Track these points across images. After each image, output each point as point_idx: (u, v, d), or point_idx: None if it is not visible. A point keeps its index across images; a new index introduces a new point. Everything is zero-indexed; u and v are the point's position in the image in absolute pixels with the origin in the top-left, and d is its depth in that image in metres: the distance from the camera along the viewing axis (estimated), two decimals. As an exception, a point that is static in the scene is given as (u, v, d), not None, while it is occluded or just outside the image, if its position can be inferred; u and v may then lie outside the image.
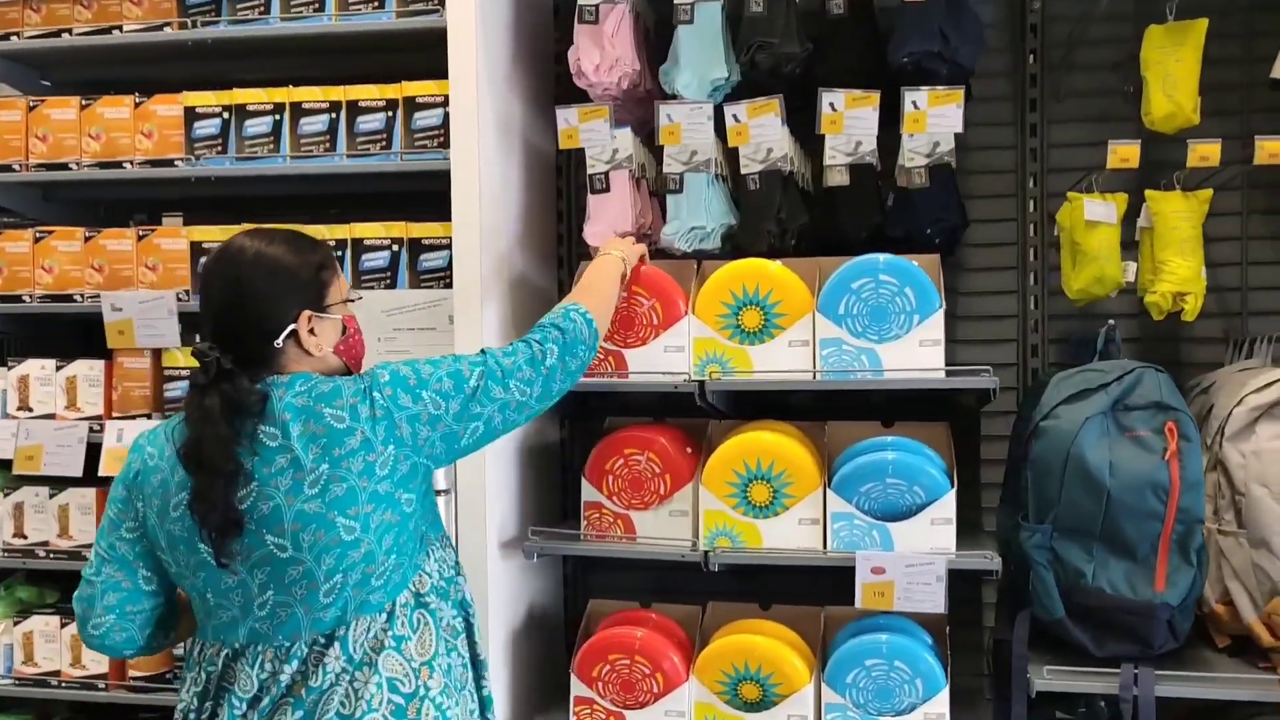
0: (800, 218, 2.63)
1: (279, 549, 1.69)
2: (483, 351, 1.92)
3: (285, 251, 1.77)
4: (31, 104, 2.84)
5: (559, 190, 3.17)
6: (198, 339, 1.91)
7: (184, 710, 1.80)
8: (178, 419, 1.78)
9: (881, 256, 2.44)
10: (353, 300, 1.92)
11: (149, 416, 2.79)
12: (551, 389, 1.97)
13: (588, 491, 2.63)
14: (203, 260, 1.83)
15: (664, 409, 2.81)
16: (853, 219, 2.60)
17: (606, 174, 2.68)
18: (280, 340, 1.75)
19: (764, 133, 2.52)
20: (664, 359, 2.55)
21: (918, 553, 2.36)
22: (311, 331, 1.78)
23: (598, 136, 2.61)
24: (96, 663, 2.78)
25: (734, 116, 2.53)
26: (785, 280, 2.50)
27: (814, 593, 2.77)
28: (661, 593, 2.78)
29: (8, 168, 2.86)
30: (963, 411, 2.80)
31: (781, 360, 2.49)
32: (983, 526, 2.81)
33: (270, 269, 1.75)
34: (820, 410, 2.76)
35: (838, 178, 2.55)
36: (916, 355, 2.41)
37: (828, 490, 2.44)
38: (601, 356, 2.58)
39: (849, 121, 2.46)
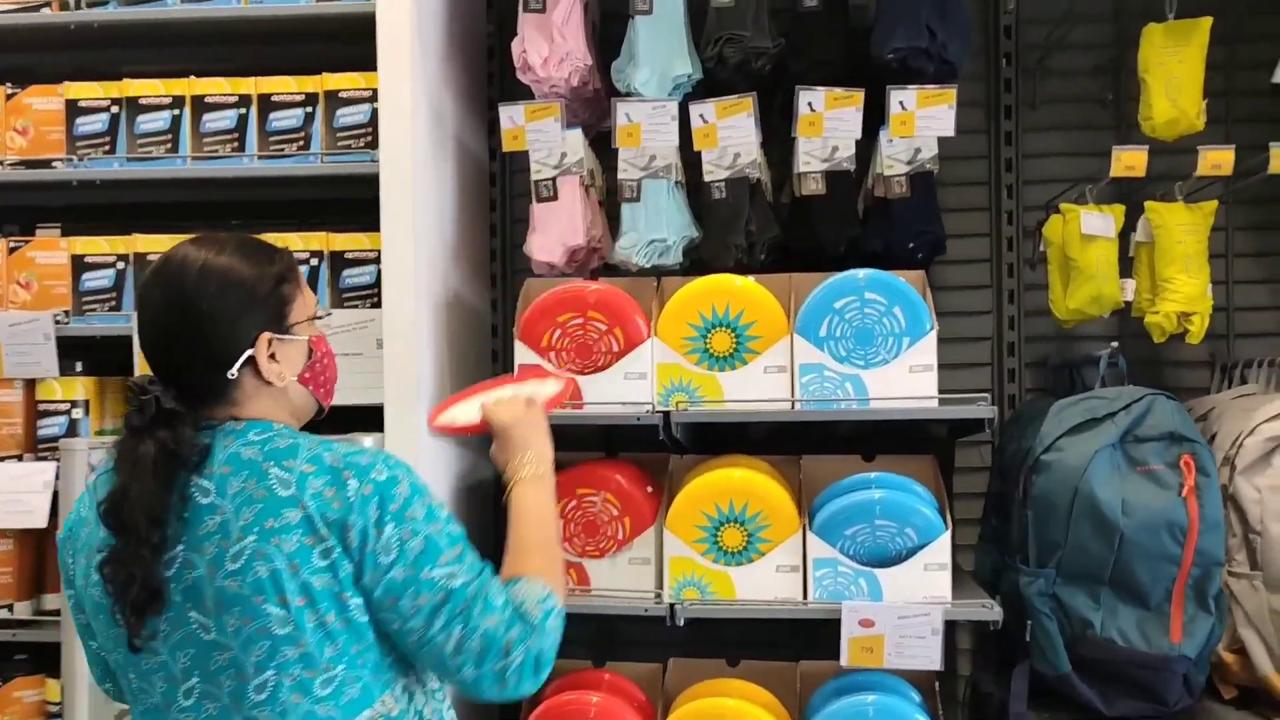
0: (771, 230, 2.39)
1: (203, 629, 1.36)
2: (484, 564, 1.45)
3: (238, 262, 1.44)
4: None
5: (491, 201, 2.88)
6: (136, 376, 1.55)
7: None
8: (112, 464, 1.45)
9: (864, 272, 2.21)
10: (320, 317, 1.57)
11: (19, 458, 2.40)
12: (480, 683, 1.42)
13: (535, 537, 2.32)
14: (140, 276, 1.46)
15: (614, 442, 2.53)
16: (829, 231, 2.37)
17: (554, 180, 2.39)
18: (235, 370, 1.42)
19: (734, 135, 2.27)
20: (624, 387, 2.28)
21: (911, 603, 2.12)
22: (272, 357, 1.45)
23: (546, 138, 2.33)
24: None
25: (701, 117, 2.27)
26: (759, 299, 2.24)
27: (784, 645, 2.52)
28: (613, 647, 2.49)
29: None
30: (932, 442, 2.58)
31: (755, 388, 2.23)
32: (960, 567, 2.59)
33: (221, 284, 1.42)
34: (780, 442, 2.51)
35: (813, 186, 2.32)
36: (906, 382, 2.18)
37: (808, 533, 2.18)
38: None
39: (829, 123, 2.23)
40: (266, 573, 1.33)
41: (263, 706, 1.36)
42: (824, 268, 2.30)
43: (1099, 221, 2.20)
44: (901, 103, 2.18)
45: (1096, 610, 2.07)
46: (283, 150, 2.35)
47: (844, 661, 2.12)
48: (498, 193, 2.87)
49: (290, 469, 1.37)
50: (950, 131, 2.19)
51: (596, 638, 2.54)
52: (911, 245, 2.36)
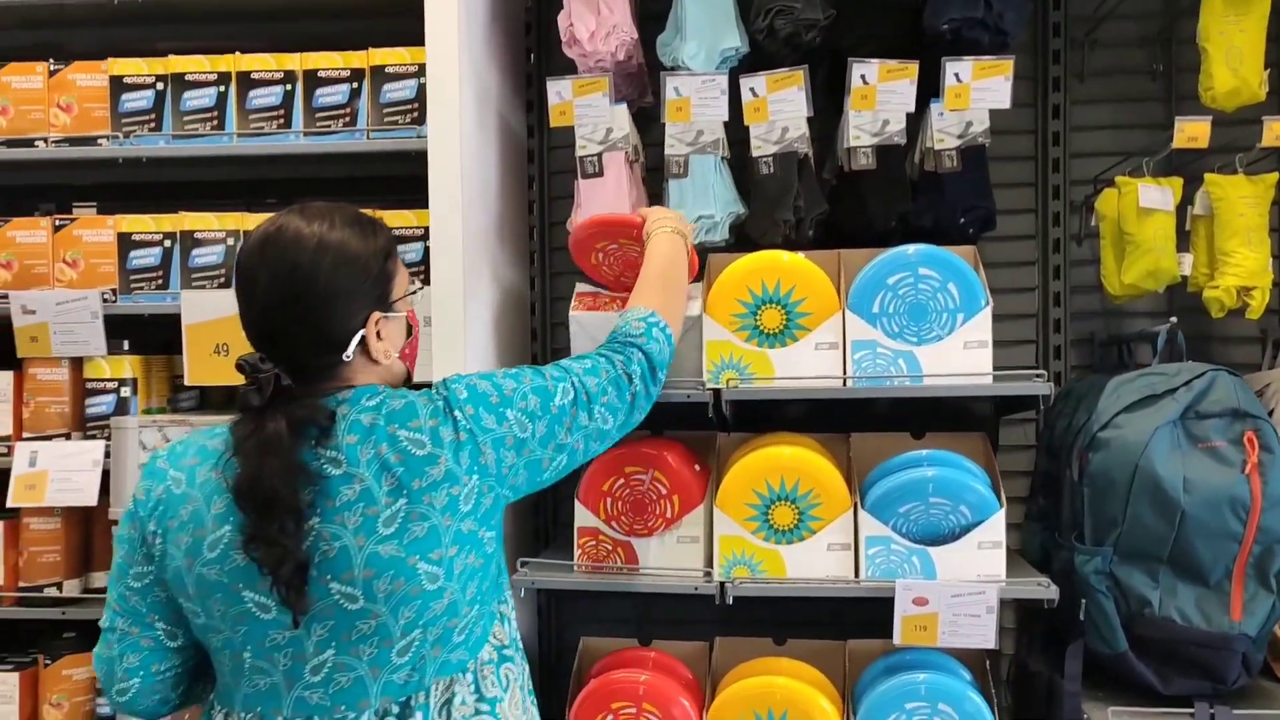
0: (819, 206, 2.36)
1: (347, 599, 1.36)
2: (560, 366, 1.62)
3: (350, 236, 1.43)
4: (-75, 72, 2.44)
5: (529, 178, 2.85)
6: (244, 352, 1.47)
7: None
8: (206, 435, 1.44)
9: (916, 248, 2.18)
10: (415, 291, 1.58)
11: (68, 437, 2.40)
12: (632, 419, 1.70)
13: (581, 515, 2.31)
14: (241, 247, 1.43)
15: (660, 421, 2.50)
16: (878, 206, 2.34)
17: (600, 156, 2.37)
18: (350, 351, 1.42)
19: (784, 109, 2.24)
20: (668, 364, 2.25)
21: (965, 581, 2.10)
22: (379, 335, 1.46)
23: (594, 113, 2.30)
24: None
25: (751, 90, 2.24)
26: (810, 275, 2.22)
27: (829, 624, 2.50)
28: (656, 626, 2.48)
29: (-106, 146, 2.45)
30: (976, 420, 2.56)
31: (806, 364, 2.21)
32: (1008, 546, 2.57)
33: (337, 260, 1.40)
34: (826, 420, 2.48)
35: (863, 160, 2.28)
36: (961, 358, 2.15)
37: (860, 511, 2.16)
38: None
39: (882, 96, 2.19)
40: (423, 531, 1.37)
41: (402, 669, 1.40)
42: (871, 244, 2.27)
43: (1157, 194, 2.17)
44: (957, 74, 2.15)
45: (1155, 589, 2.05)
46: (329, 127, 2.33)
47: (897, 640, 2.11)
48: (535, 169, 2.85)
49: (417, 429, 1.39)
50: (1006, 103, 2.16)
51: (642, 616, 2.53)
52: (962, 220, 2.34)
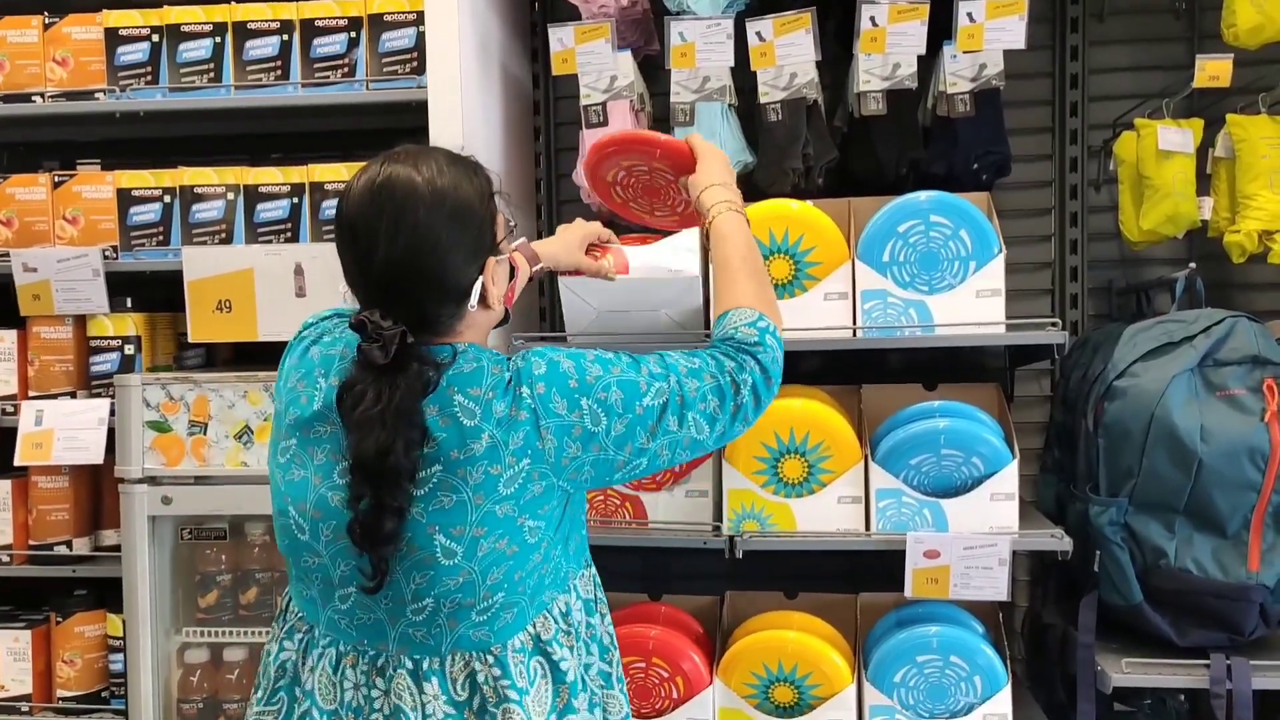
0: (829, 153, 2.31)
1: (445, 554, 1.32)
2: (664, 362, 1.45)
3: (461, 180, 1.35)
4: (-84, 26, 2.40)
5: (535, 129, 2.80)
6: (345, 300, 1.45)
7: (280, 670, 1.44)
8: (338, 343, 1.40)
9: (929, 195, 2.13)
10: (513, 229, 1.50)
11: (73, 395, 2.39)
12: (733, 430, 1.49)
13: (591, 470, 2.29)
14: (344, 199, 1.36)
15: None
16: (890, 153, 2.29)
17: (604, 105, 2.32)
18: (474, 300, 1.37)
19: (792, 53, 2.18)
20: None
21: (977, 533, 2.07)
22: (494, 280, 1.40)
23: (597, 60, 2.25)
24: (18, 683, 2.39)
25: (758, 34, 2.18)
26: (818, 224, 2.17)
27: (841, 577, 2.49)
28: (666, 580, 2.47)
29: (-111, 103, 2.42)
30: (990, 372, 2.52)
31: (815, 315, 2.16)
32: (1023, 498, 2.53)
33: (455, 208, 1.32)
34: (837, 371, 2.45)
35: (873, 105, 2.23)
36: (973, 307, 2.10)
37: (870, 463, 2.13)
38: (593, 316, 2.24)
39: (892, 39, 2.13)
40: (449, 504, 1.32)
41: (419, 626, 1.36)
42: (882, 192, 2.22)
43: (1177, 136, 2.10)
44: (970, 14, 2.08)
45: (1171, 539, 2.01)
46: (327, 78, 2.29)
47: (908, 593, 2.08)
48: (541, 120, 2.80)
49: (474, 397, 1.33)
50: (1021, 44, 2.09)
51: (652, 571, 2.51)
52: (976, 166, 2.28)
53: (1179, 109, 2.27)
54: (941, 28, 2.18)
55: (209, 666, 2.24)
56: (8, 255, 2.36)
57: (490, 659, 1.37)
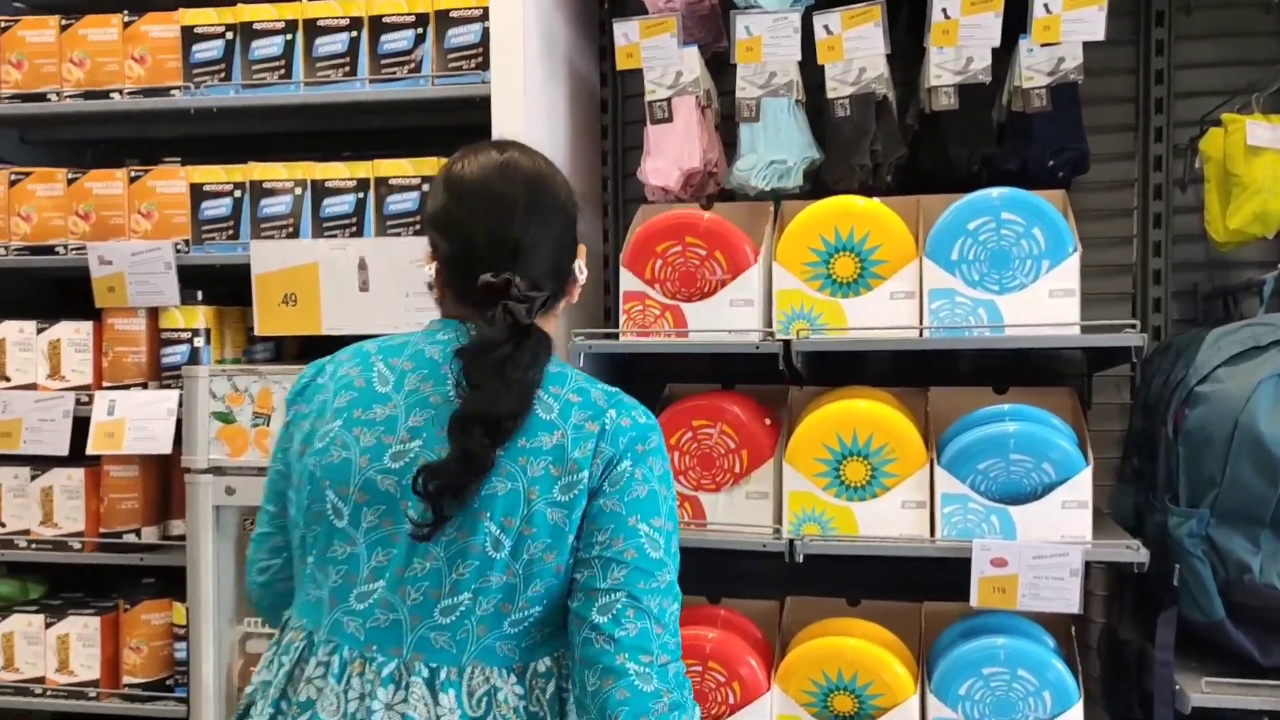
0: (898, 150, 2.25)
1: (493, 546, 1.27)
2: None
3: (559, 171, 1.45)
4: (3, 25, 2.47)
5: (603, 128, 2.79)
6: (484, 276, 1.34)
7: (250, 696, 1.39)
8: (383, 339, 1.41)
9: (1000, 191, 2.06)
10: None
11: (144, 386, 2.43)
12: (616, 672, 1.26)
13: (650, 470, 2.26)
14: (463, 173, 1.37)
15: (728, 374, 2.44)
16: (961, 149, 2.22)
17: (669, 100, 2.30)
18: (582, 279, 1.46)
19: (860, 47, 2.14)
20: (731, 315, 2.18)
21: (1048, 542, 1.99)
22: (580, 270, 1.48)
23: (662, 55, 2.23)
24: (86, 668, 2.44)
25: (825, 28, 2.14)
26: (885, 221, 2.12)
27: (904, 585, 2.41)
28: (726, 583, 2.42)
29: (-28, 100, 2.51)
30: (1067, 378, 2.43)
31: (881, 315, 2.11)
32: (1098, 508, 2.44)
33: (569, 193, 1.43)
34: (904, 373, 2.39)
35: (944, 100, 2.17)
36: (1046, 308, 2.03)
37: (936, 468, 2.07)
38: (658, 312, 2.21)
39: (965, 31, 2.07)
40: (503, 490, 1.27)
41: (443, 630, 1.29)
42: (953, 189, 2.16)
43: (1266, 132, 2.01)
44: (1046, 4, 2.02)
45: (1255, 553, 1.91)
46: (394, 73, 2.31)
47: (974, 602, 2.01)
48: (609, 119, 2.78)
49: (556, 395, 1.32)
50: (1099, 35, 2.02)
51: (709, 573, 2.47)
52: (1051, 163, 2.20)
53: (1269, 103, 2.17)
54: (1016, 19, 2.11)
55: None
56: (85, 248, 2.42)
57: (513, 678, 1.30)
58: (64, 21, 2.45)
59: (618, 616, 1.25)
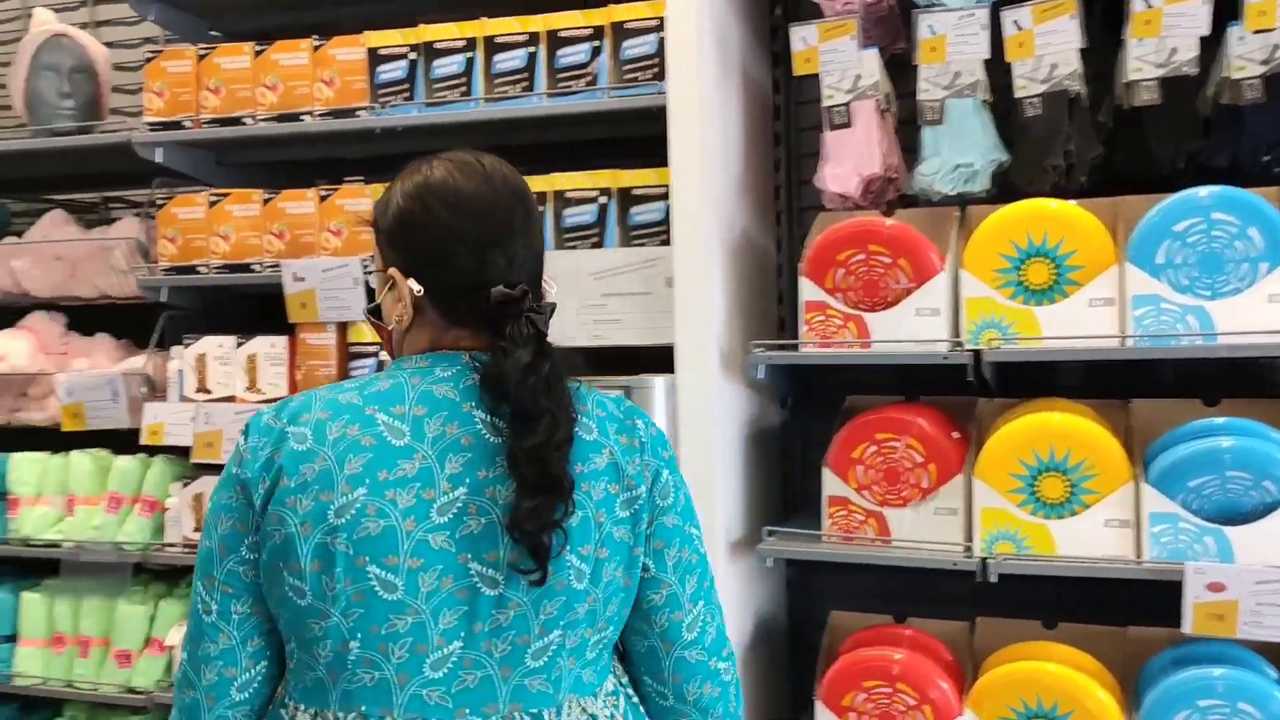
0: (1093, 149, 2.14)
1: (486, 582, 1.20)
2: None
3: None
4: (202, 52, 2.59)
5: (775, 135, 2.74)
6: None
7: None
8: (355, 387, 1.26)
9: (1209, 190, 1.94)
10: None
11: (333, 397, 2.51)
12: (710, 674, 1.35)
13: (831, 484, 2.21)
14: (464, 187, 1.26)
15: (911, 385, 2.36)
16: (1164, 146, 2.09)
17: (848, 105, 2.24)
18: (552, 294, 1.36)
19: (1053, 42, 2.04)
20: (916, 325, 2.11)
21: (1272, 566, 1.85)
22: None
23: (841, 58, 2.18)
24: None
25: (1015, 23, 2.05)
26: (1082, 225, 2.01)
27: (1103, 608, 2.28)
28: (908, 602, 2.34)
29: (177, 124, 2.63)
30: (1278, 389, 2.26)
31: (1078, 323, 2.01)
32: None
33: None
34: (1100, 385, 2.26)
35: (1146, 95, 2.04)
36: (1264, 314, 1.89)
37: (1142, 484, 1.95)
38: (840, 322, 2.16)
39: (1168, 20, 1.95)
40: (576, 521, 1.22)
41: (536, 674, 1.24)
42: (1153, 189, 2.04)
43: None
44: (1262, -12, 1.88)
45: None
46: (570, 87, 2.32)
47: (1187, 628, 1.89)
48: (782, 126, 2.74)
49: (583, 413, 1.27)
50: (1323, 19, 1.87)
51: (894, 591, 2.39)
52: (1266, 159, 2.05)
53: None
54: (1224, 6, 1.98)
55: None
56: (279, 265, 2.51)
57: (600, 702, 1.29)
58: (258, 48, 2.55)
59: (702, 627, 1.33)
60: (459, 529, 1.19)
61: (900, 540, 2.14)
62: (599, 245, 2.31)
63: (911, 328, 2.11)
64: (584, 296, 2.25)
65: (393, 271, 1.28)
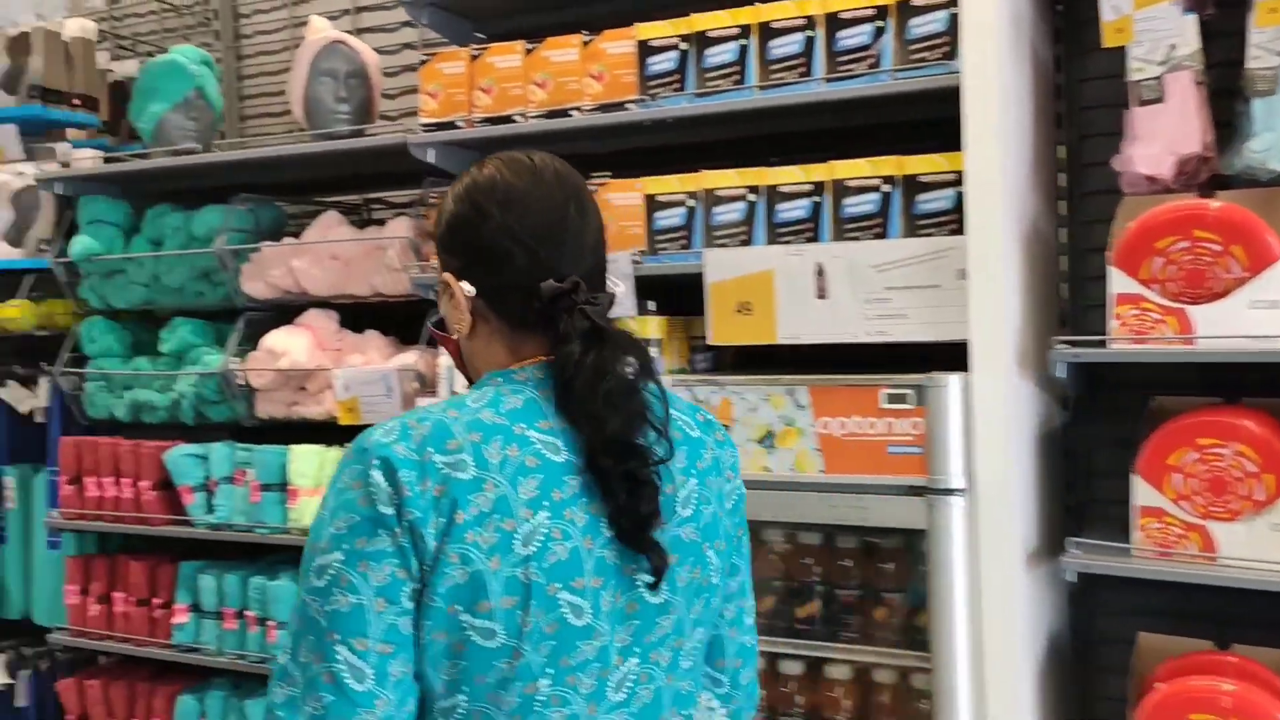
0: None
1: (713, 571, 1.27)
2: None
3: None
4: (474, 52, 2.62)
5: (1057, 116, 2.55)
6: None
7: None
8: (487, 404, 1.18)
9: None
10: None
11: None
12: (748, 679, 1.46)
13: (1143, 493, 2.02)
14: (517, 180, 1.23)
15: (1224, 384, 2.12)
16: None
17: (1160, 78, 2.04)
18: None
19: None
20: (1250, 319, 1.90)
21: None
22: None
23: (1158, 26, 1.99)
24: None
25: (1376, -24, 1.81)
26: None
27: None
28: (1233, 626, 2.11)
29: (450, 124, 2.67)
30: None
31: None
32: None
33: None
34: None
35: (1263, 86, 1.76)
36: None
37: None
38: (1157, 316, 1.96)
39: None
40: (709, 515, 1.26)
41: (686, 676, 1.27)
42: None
43: None
44: None
45: None
46: (850, 71, 2.21)
47: None
48: (1064, 105, 2.54)
49: (681, 409, 1.33)
50: None
51: (1216, 614, 2.16)
52: None
53: None
54: None
55: (765, 675, 2.23)
56: (546, 262, 2.51)
57: (709, 695, 1.36)
58: (528, 46, 2.56)
59: (754, 615, 1.41)
60: (615, 540, 1.16)
61: (1227, 558, 1.93)
62: (881, 236, 2.19)
63: (1244, 322, 1.90)
64: (865, 290, 2.13)
65: (446, 276, 1.25)
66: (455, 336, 1.27)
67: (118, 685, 3.19)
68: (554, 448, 1.16)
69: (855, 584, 2.18)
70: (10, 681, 3.59)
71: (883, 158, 2.19)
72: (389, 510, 1.09)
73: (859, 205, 2.20)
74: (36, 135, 3.52)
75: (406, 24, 3.52)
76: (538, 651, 1.11)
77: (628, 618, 1.17)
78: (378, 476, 1.10)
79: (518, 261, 1.20)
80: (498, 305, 1.23)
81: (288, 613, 1.25)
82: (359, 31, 3.53)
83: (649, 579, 1.16)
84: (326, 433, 3.01)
